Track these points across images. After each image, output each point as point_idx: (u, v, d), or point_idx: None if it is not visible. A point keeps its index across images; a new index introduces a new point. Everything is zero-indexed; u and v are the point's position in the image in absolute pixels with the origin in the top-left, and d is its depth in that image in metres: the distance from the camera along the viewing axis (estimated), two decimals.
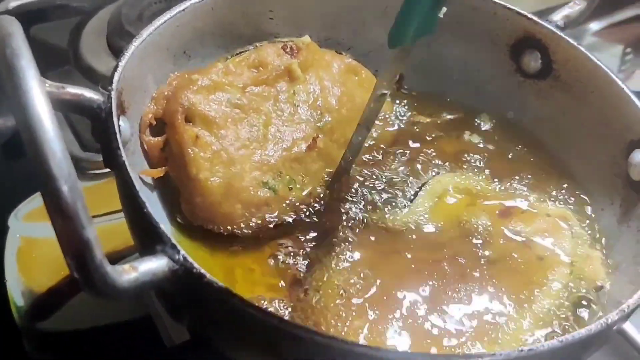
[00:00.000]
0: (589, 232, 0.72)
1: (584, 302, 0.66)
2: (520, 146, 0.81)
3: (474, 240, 0.69)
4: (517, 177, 0.77)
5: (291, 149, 0.72)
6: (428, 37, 0.64)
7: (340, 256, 0.66)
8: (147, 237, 0.51)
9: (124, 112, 0.63)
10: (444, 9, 0.63)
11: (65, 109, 0.57)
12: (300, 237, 0.69)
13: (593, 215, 0.74)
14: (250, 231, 0.69)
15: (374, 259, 0.67)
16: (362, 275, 0.64)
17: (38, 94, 0.43)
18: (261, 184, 0.69)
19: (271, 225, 0.69)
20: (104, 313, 0.77)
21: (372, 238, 0.69)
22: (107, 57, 1.06)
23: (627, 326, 0.66)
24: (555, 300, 0.65)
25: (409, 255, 0.67)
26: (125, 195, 0.55)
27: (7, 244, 0.82)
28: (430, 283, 0.64)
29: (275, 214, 0.70)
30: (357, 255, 0.67)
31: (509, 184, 0.77)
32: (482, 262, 0.67)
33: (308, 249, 0.68)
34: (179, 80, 0.71)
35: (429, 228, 0.71)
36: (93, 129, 0.60)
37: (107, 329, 0.76)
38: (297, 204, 0.71)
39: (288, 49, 0.76)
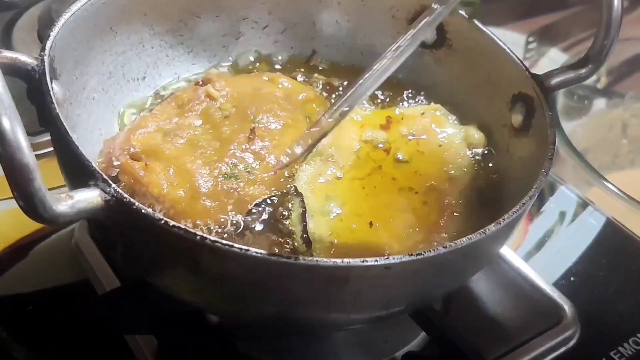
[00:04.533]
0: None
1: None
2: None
3: (382, 150, 0.80)
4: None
5: (235, 142, 0.76)
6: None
7: None
8: (81, 174, 0.57)
9: (56, 77, 0.68)
10: None
11: (3, 71, 0.63)
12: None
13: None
14: (233, 218, 0.72)
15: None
16: None
17: None
18: (222, 176, 0.73)
19: (251, 206, 0.73)
20: (44, 278, 0.82)
21: None
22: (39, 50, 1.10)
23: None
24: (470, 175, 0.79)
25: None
26: (59, 139, 0.60)
27: None
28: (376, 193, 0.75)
29: (251, 194, 0.74)
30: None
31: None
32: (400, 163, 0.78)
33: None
34: (117, 141, 0.75)
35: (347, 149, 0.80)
36: (28, 91, 0.65)
37: (47, 292, 0.81)
38: (267, 181, 0.75)
39: (200, 83, 0.82)
